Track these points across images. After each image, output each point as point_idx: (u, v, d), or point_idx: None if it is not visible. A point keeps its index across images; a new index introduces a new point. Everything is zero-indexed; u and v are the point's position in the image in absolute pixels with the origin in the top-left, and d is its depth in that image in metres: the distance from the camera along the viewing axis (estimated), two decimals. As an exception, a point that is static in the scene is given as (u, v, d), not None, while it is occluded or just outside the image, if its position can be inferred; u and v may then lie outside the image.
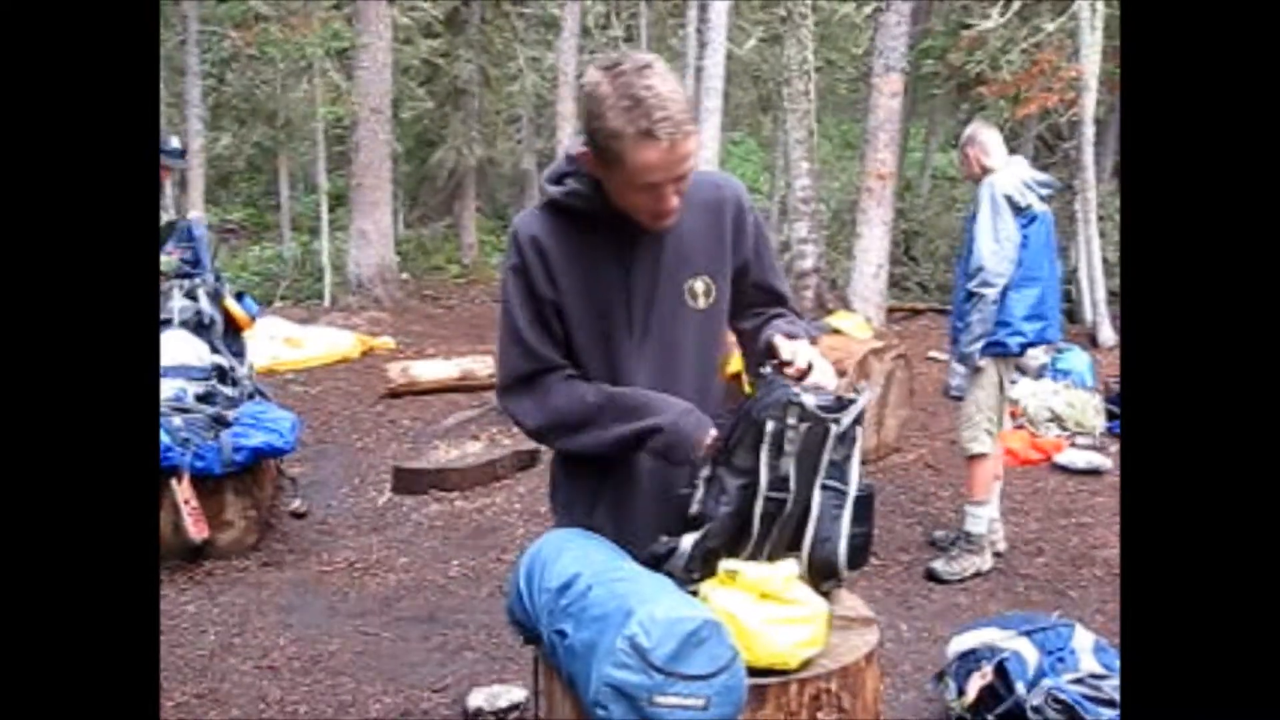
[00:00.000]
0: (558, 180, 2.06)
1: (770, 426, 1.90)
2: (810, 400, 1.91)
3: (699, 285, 2.11)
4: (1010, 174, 4.51)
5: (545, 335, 2.05)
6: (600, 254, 2.05)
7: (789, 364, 1.99)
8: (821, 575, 2.01)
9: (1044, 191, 4.55)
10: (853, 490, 1.99)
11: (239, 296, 5.98)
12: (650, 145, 1.84)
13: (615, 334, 2.07)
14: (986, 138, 4.68)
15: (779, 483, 1.93)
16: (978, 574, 4.63)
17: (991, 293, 4.39)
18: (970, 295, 4.45)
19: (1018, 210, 4.42)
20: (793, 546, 1.99)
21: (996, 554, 4.80)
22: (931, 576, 4.62)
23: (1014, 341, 4.53)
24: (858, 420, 1.96)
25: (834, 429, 1.93)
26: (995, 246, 4.38)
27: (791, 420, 1.90)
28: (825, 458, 1.95)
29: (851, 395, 1.96)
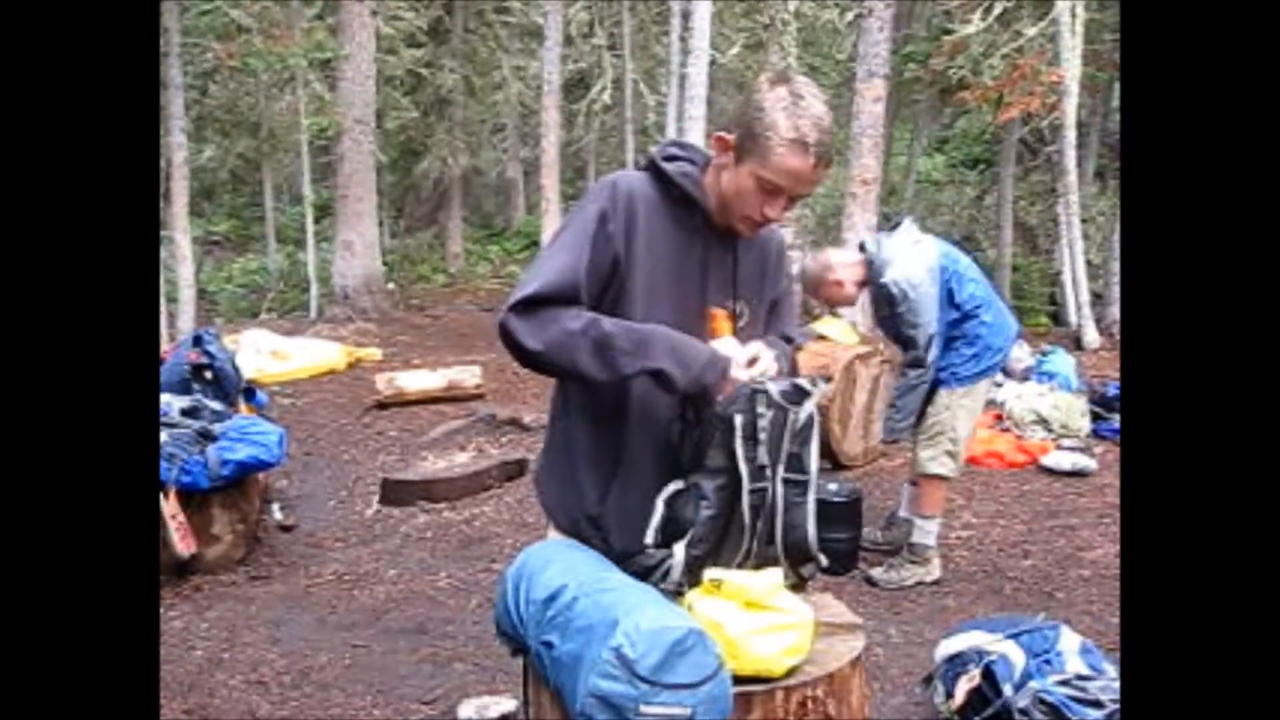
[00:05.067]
0: (669, 159, 2.10)
1: (740, 420, 1.94)
2: (774, 388, 1.96)
3: (740, 308, 2.16)
4: (899, 256, 4.32)
5: (591, 280, 1.99)
6: (683, 244, 2.08)
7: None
8: (798, 560, 2.07)
9: (919, 236, 4.44)
10: (813, 477, 2.03)
11: (250, 393, 6.01)
12: (799, 153, 1.92)
13: (674, 324, 2.03)
14: (834, 258, 4.52)
15: (759, 473, 1.97)
16: (920, 583, 4.52)
17: (924, 375, 4.33)
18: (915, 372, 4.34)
19: (933, 276, 4.28)
20: (770, 539, 2.03)
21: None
22: (870, 583, 4.49)
23: (1000, 362, 4.57)
24: (810, 411, 2.00)
25: (791, 418, 1.97)
26: (927, 338, 4.27)
27: (761, 409, 1.95)
28: (784, 449, 1.99)
29: (808, 385, 2.01)
